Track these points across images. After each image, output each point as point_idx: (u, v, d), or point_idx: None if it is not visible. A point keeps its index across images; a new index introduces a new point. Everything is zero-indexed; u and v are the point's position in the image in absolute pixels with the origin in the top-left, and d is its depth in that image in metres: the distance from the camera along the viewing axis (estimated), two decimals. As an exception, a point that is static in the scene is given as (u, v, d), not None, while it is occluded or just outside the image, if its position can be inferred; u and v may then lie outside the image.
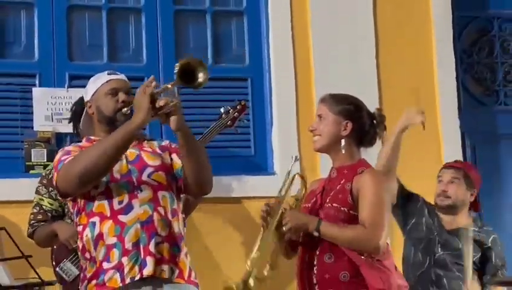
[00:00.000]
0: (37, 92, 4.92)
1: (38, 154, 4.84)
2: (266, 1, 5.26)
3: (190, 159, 3.33)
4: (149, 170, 3.42)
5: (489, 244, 4.43)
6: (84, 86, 4.76)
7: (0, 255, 3.49)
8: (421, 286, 4.37)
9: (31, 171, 4.81)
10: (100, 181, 3.34)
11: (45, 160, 4.82)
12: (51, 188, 4.19)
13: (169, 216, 3.38)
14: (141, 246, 3.33)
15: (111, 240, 3.35)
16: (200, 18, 5.26)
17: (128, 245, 3.34)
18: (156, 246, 3.33)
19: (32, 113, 4.88)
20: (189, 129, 3.28)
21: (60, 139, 4.90)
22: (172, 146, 3.53)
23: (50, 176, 4.14)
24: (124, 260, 3.34)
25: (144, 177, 3.39)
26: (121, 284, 3.32)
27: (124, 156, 3.39)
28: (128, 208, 3.37)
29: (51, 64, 4.98)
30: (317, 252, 3.44)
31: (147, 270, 3.31)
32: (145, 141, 3.53)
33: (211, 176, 3.36)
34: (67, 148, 3.47)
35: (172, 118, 3.19)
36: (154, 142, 3.56)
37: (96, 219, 3.38)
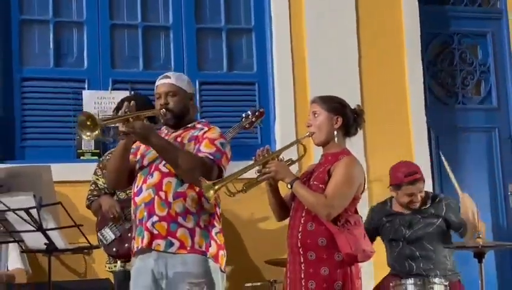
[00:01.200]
0: (86, 94, 4.85)
1: (87, 144, 4.77)
2: (270, 20, 5.18)
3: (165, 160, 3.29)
4: None
5: (444, 210, 4.32)
6: (124, 89, 4.84)
7: (57, 224, 3.34)
8: (398, 263, 4.25)
9: (81, 157, 4.76)
10: (124, 178, 3.40)
11: (92, 148, 4.77)
12: (104, 171, 4.12)
13: (170, 199, 3.25)
14: (143, 223, 3.28)
15: (132, 215, 3.39)
16: (217, 34, 5.19)
17: (137, 221, 3.32)
18: (153, 224, 3.25)
19: (82, 110, 4.72)
20: (147, 139, 3.22)
21: (104, 132, 4.74)
22: (204, 135, 3.39)
23: (104, 161, 4.18)
24: (136, 233, 3.33)
25: (161, 165, 3.30)
26: (135, 252, 3.34)
27: None
28: (139, 191, 3.33)
29: (97, 71, 4.91)
30: (302, 221, 3.41)
31: (143, 242, 3.27)
32: (188, 130, 3.42)
33: (185, 169, 3.23)
34: None
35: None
36: (191, 132, 3.43)
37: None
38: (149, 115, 3.46)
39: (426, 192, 4.46)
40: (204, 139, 3.34)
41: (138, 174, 3.36)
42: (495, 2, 5.85)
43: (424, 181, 4.33)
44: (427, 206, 4.35)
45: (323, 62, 5.11)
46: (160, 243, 3.24)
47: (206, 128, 3.42)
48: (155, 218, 3.25)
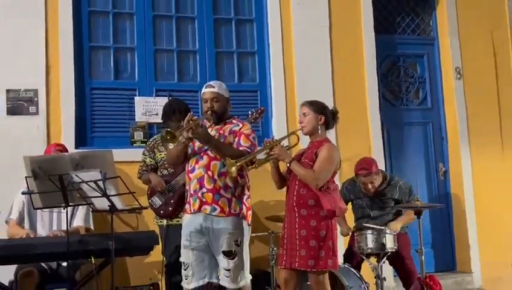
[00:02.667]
0: (137, 99, 4.81)
1: (138, 135, 4.74)
2: (268, 46, 5.13)
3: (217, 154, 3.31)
4: None
5: (398, 193, 4.30)
6: (164, 96, 4.83)
7: (117, 192, 3.32)
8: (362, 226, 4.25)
9: (134, 145, 4.72)
10: (181, 161, 3.45)
11: (142, 138, 4.73)
12: (151, 152, 4.20)
13: (215, 176, 3.31)
14: (196, 193, 3.31)
15: (187, 187, 3.42)
16: (230, 56, 5.14)
17: (192, 191, 3.35)
18: (202, 194, 3.29)
19: (134, 111, 4.79)
20: (210, 142, 3.30)
21: (150, 126, 4.81)
22: (241, 130, 3.43)
23: (151, 145, 4.24)
24: (190, 199, 3.37)
25: (209, 151, 3.33)
26: (189, 212, 3.37)
27: None
28: (193, 170, 3.36)
29: (145, 82, 4.87)
30: (296, 188, 3.45)
31: (196, 206, 3.33)
32: (226, 124, 3.44)
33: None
34: None
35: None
36: (230, 126, 3.45)
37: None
38: (200, 121, 3.37)
39: (384, 174, 4.44)
40: (241, 134, 3.41)
41: (191, 157, 3.41)
42: (429, 31, 5.82)
43: (375, 174, 4.29)
44: (384, 187, 4.33)
45: (306, 76, 5.08)
46: (207, 208, 3.30)
47: (240, 125, 3.48)
48: (204, 189, 3.32)
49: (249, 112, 4.44)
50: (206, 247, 3.35)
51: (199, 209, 3.30)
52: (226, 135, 3.41)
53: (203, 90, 3.47)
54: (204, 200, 3.30)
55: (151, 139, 4.39)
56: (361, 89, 5.26)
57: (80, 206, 3.86)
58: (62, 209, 3.55)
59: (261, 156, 3.50)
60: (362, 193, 4.34)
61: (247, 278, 3.39)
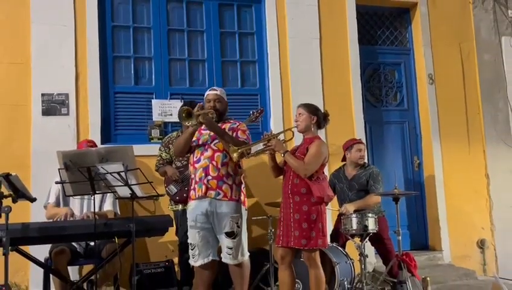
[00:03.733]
0: (154, 102, 4.80)
1: (155, 132, 4.74)
2: (267, 55, 5.12)
3: (221, 140, 3.30)
4: (216, 140, 3.38)
5: (369, 176, 4.30)
6: (177, 99, 4.80)
7: (137, 181, 3.31)
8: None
9: (151, 141, 4.72)
10: (186, 151, 3.43)
11: (158, 135, 4.72)
12: (166, 148, 4.19)
13: (219, 165, 3.31)
14: (202, 180, 3.29)
15: (192, 176, 3.39)
16: (234, 64, 5.13)
17: (197, 179, 3.35)
18: (208, 181, 3.28)
19: (151, 112, 4.78)
20: (215, 128, 3.30)
21: (165, 125, 4.80)
22: (238, 127, 3.44)
23: (166, 141, 4.24)
24: (196, 186, 3.35)
25: (212, 144, 3.34)
26: (194, 197, 3.36)
27: (209, 132, 3.40)
28: (198, 160, 3.36)
29: (161, 87, 4.86)
30: (291, 178, 3.44)
31: (201, 191, 3.34)
32: (226, 123, 3.45)
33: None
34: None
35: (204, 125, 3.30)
36: (229, 124, 3.45)
37: (191, 165, 3.44)
38: (205, 112, 3.38)
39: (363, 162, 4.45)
40: (239, 130, 3.45)
41: (196, 150, 3.40)
42: (406, 43, 5.79)
43: (363, 144, 4.38)
44: (361, 171, 4.34)
45: (300, 82, 5.07)
46: (212, 193, 3.30)
47: (237, 124, 3.50)
48: (209, 177, 3.32)
49: (251, 112, 4.44)
50: (210, 229, 3.35)
51: (205, 194, 3.30)
52: (227, 130, 3.42)
53: (207, 92, 3.51)
54: (209, 186, 3.31)
55: (166, 137, 4.39)
56: (347, 92, 5.25)
57: (108, 194, 3.87)
58: (91, 196, 3.54)
59: (259, 147, 3.51)
60: (344, 176, 4.35)
61: (245, 255, 3.42)
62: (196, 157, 3.40)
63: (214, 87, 3.57)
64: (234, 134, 3.44)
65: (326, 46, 5.24)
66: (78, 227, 3.43)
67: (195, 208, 3.36)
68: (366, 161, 4.52)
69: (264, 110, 4.50)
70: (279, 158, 3.58)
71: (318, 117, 3.57)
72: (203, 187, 3.31)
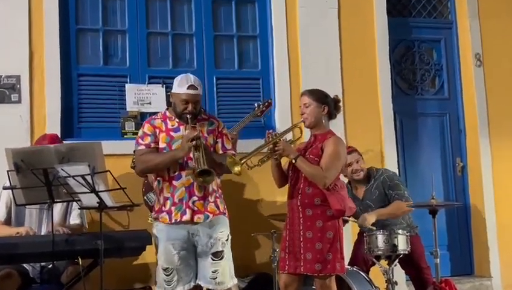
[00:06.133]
0: (128, 86, 4.80)
1: (129, 125, 4.75)
2: (271, 29, 5.12)
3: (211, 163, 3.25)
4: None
5: (382, 187, 4.26)
6: (157, 83, 4.81)
7: (107, 187, 3.32)
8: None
9: (125, 136, 4.72)
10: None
11: (133, 129, 4.72)
12: None
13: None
14: (184, 202, 3.31)
15: (167, 194, 3.35)
16: (230, 40, 5.13)
17: (176, 200, 3.33)
18: (193, 202, 3.30)
19: (125, 100, 4.78)
20: (207, 154, 3.25)
21: (142, 116, 4.79)
22: (221, 131, 3.44)
23: None
24: (172, 208, 3.34)
25: (191, 155, 3.29)
26: (168, 222, 3.35)
27: (181, 135, 3.36)
28: (179, 177, 3.34)
29: (137, 69, 4.86)
30: (301, 186, 3.43)
31: (185, 218, 3.33)
32: (199, 121, 3.40)
33: (221, 170, 3.38)
34: (144, 129, 3.46)
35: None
36: (206, 125, 3.42)
37: (160, 179, 3.41)
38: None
39: (368, 170, 4.37)
40: (222, 135, 3.46)
41: (172, 164, 3.36)
42: (447, 14, 5.79)
43: (357, 152, 4.29)
44: (370, 185, 4.27)
45: (312, 62, 5.07)
46: (200, 217, 3.34)
47: (215, 122, 3.49)
48: (195, 198, 3.33)
49: (255, 105, 4.44)
50: (191, 248, 3.37)
51: (191, 220, 3.31)
52: (206, 136, 3.41)
53: (185, 90, 3.36)
54: (196, 209, 3.32)
55: None
56: (372, 76, 5.25)
57: (75, 203, 3.87)
58: (49, 206, 3.53)
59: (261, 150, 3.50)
60: (354, 198, 4.23)
61: (234, 278, 3.45)
62: (174, 172, 3.38)
63: (193, 83, 3.39)
64: (219, 142, 3.44)
65: (346, 18, 5.23)
66: (31, 244, 3.43)
67: (172, 233, 3.36)
68: (367, 167, 4.35)
69: (272, 102, 4.51)
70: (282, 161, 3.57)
71: (328, 106, 3.54)
72: (188, 212, 3.31)
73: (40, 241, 3.46)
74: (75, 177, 3.19)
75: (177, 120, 3.42)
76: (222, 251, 3.35)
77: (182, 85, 3.39)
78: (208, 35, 5.02)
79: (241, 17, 5.15)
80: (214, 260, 3.34)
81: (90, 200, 3.29)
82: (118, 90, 4.78)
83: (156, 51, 4.93)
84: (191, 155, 3.25)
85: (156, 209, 3.44)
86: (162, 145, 3.40)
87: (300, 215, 3.43)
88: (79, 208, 3.83)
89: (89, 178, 3.18)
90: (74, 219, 3.92)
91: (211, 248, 3.33)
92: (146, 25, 4.92)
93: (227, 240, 3.40)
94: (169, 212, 3.34)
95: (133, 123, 4.73)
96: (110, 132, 4.70)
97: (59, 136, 4.21)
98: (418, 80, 5.69)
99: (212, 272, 3.33)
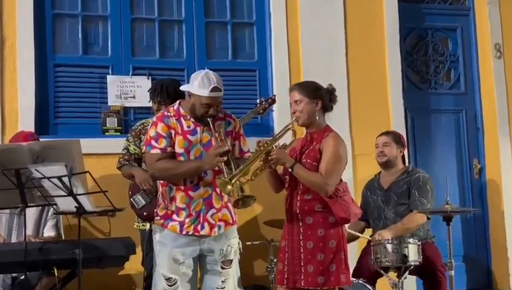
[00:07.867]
0: (110, 78, 4.80)
1: (111, 122, 4.75)
2: (269, 16, 5.13)
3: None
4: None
5: (412, 184, 4.30)
6: (143, 75, 4.80)
7: (86, 190, 3.32)
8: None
9: (106, 133, 4.73)
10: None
11: (116, 125, 4.74)
12: (136, 139, 4.11)
13: (223, 193, 3.31)
14: (202, 215, 3.34)
15: (181, 205, 3.33)
16: (223, 27, 5.14)
17: (192, 212, 3.33)
18: (212, 215, 3.35)
19: (107, 93, 4.78)
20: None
21: (126, 111, 4.81)
22: (238, 131, 3.44)
23: (137, 130, 4.13)
24: (187, 220, 3.34)
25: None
26: (178, 233, 3.33)
27: (199, 138, 3.34)
28: (196, 187, 3.32)
29: (120, 59, 4.86)
30: (299, 192, 3.42)
31: (204, 231, 3.35)
32: (218, 122, 3.37)
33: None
34: (158, 129, 3.35)
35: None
36: (223, 126, 3.40)
37: (172, 186, 3.35)
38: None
39: (405, 165, 4.45)
40: (239, 136, 3.46)
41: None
42: (464, 0, 5.80)
43: (393, 139, 4.39)
44: (401, 177, 4.35)
45: (315, 52, 5.07)
46: (215, 230, 3.36)
47: (232, 122, 3.46)
48: (214, 210, 3.35)
49: (257, 101, 4.45)
50: (196, 257, 3.39)
51: (210, 233, 3.34)
52: (222, 137, 3.38)
53: (208, 93, 3.25)
54: (213, 222, 3.34)
55: (138, 123, 4.24)
56: (381, 68, 5.26)
57: (50, 212, 3.89)
58: (21, 211, 3.53)
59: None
60: (379, 186, 4.37)
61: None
62: (191, 182, 3.36)
63: (217, 85, 3.27)
64: (237, 145, 3.43)
65: (352, 3, 5.25)
66: (0, 253, 3.42)
67: (179, 239, 3.35)
68: (408, 163, 4.51)
69: (275, 99, 4.49)
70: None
71: (322, 99, 3.50)
72: (207, 226, 3.33)
73: (10, 249, 3.46)
74: (51, 179, 3.17)
75: (193, 120, 3.34)
76: (232, 259, 3.40)
77: (203, 87, 3.25)
78: (198, 22, 5.03)
79: (236, 2, 5.16)
80: (223, 268, 3.37)
81: (67, 204, 3.28)
82: (98, 83, 4.78)
83: (141, 39, 4.94)
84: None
85: (161, 214, 3.40)
86: (179, 150, 3.32)
87: (300, 224, 3.41)
88: (55, 215, 3.82)
89: (66, 180, 3.17)
90: (49, 231, 3.92)
91: (222, 257, 3.37)
92: (130, 10, 4.92)
93: (238, 247, 3.45)
94: (181, 223, 3.33)
95: (115, 119, 4.73)
96: (90, 128, 4.70)
97: (34, 133, 4.20)
98: (432, 73, 5.70)
99: (222, 281, 3.38)
